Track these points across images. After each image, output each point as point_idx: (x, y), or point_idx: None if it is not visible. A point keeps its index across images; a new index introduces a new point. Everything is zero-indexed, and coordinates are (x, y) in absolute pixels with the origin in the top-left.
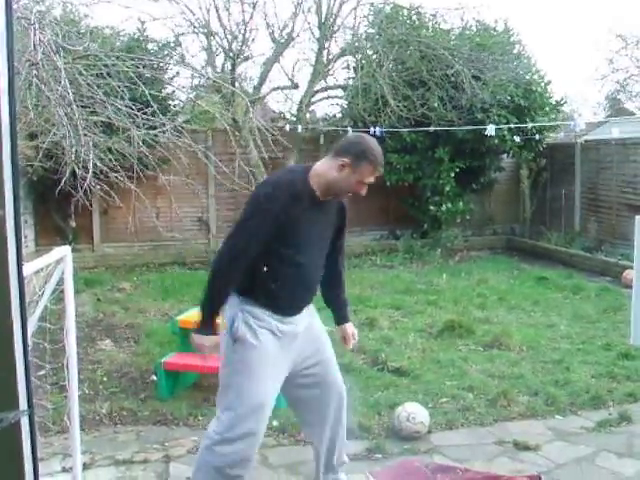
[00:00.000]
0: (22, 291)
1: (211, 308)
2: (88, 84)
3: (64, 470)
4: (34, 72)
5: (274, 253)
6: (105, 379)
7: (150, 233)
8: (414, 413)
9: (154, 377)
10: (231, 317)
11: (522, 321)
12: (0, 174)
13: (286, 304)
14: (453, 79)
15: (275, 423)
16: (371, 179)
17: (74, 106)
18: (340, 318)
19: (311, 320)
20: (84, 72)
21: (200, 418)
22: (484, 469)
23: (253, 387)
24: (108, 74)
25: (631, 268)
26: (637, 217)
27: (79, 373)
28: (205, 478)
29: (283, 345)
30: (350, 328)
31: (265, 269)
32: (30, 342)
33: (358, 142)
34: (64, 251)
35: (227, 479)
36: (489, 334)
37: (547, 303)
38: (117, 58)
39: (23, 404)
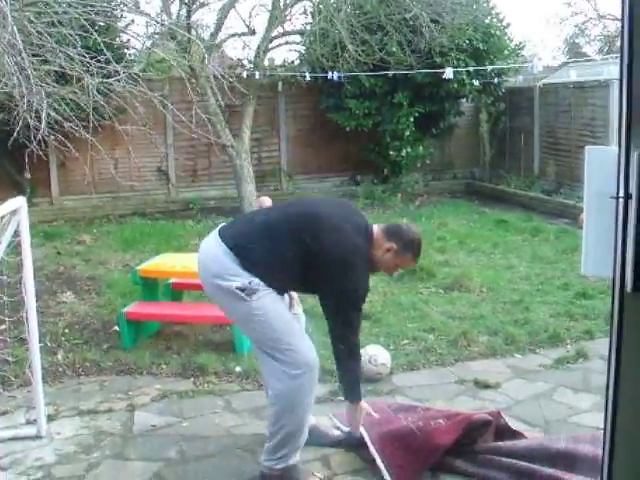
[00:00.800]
0: None
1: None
2: (38, 32)
3: (28, 422)
4: None
5: None
6: (67, 331)
7: (109, 184)
8: (376, 355)
9: (116, 327)
10: (242, 283)
11: (482, 263)
12: None
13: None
14: (411, 23)
15: (238, 369)
16: (406, 267)
17: (24, 54)
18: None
19: None
20: (34, 20)
21: (163, 367)
22: (445, 408)
23: (288, 321)
24: (59, 22)
25: None
26: (586, 147)
27: (40, 326)
28: (293, 416)
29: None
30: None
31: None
32: None
33: (409, 233)
34: (19, 202)
35: (308, 408)
36: (449, 277)
37: (506, 245)
38: (68, 5)
39: None
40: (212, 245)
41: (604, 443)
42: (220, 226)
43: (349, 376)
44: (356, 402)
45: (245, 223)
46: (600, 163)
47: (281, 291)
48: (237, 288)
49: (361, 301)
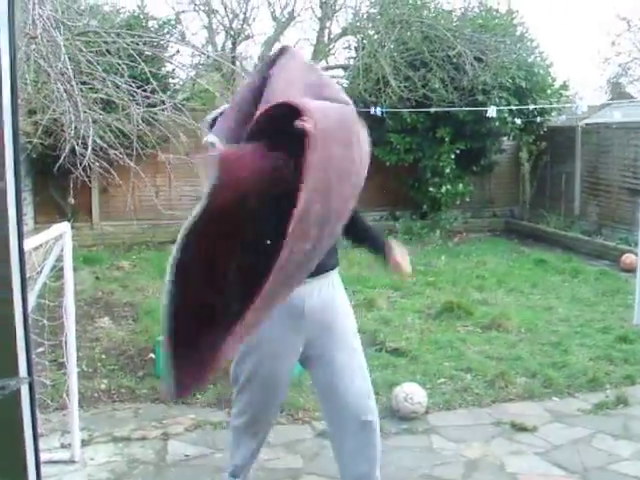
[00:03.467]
0: (22, 260)
1: None
2: (88, 61)
3: (63, 446)
4: (33, 47)
5: None
6: (104, 357)
7: (149, 211)
8: (412, 393)
9: (152, 355)
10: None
11: (520, 303)
12: (1, 148)
13: None
14: (455, 60)
15: None
16: None
17: (73, 82)
18: (379, 244)
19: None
20: (84, 49)
21: (198, 396)
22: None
23: None
24: (108, 51)
25: (630, 252)
26: None
27: (78, 351)
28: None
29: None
30: (393, 246)
31: None
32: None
33: None
34: (63, 228)
35: None
36: (487, 316)
37: (545, 286)
38: (117, 35)
39: (23, 372)
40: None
41: None
42: None
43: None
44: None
45: None
46: None
47: None
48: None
49: None
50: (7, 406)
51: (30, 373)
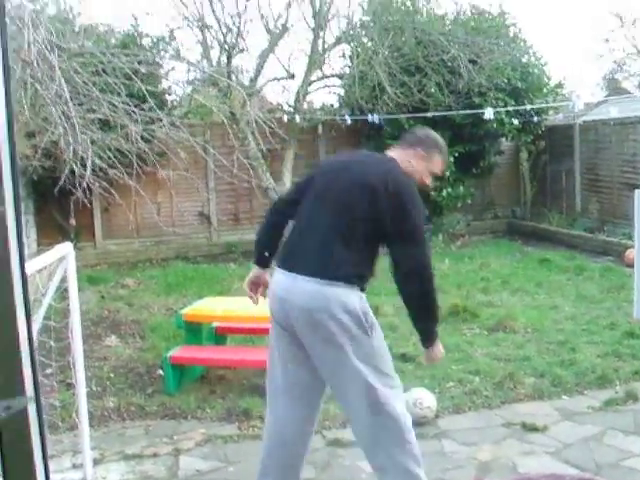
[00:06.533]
0: (24, 280)
1: (437, 317)
2: (84, 82)
3: (74, 466)
4: (28, 71)
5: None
6: (112, 375)
7: (151, 229)
8: (421, 398)
9: (160, 372)
10: (360, 308)
11: (526, 303)
12: None
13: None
14: (449, 64)
15: None
16: (439, 171)
17: (70, 104)
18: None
19: None
20: (79, 70)
21: (208, 411)
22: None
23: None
24: (104, 71)
25: (633, 247)
26: (636, 190)
27: (86, 370)
28: (407, 452)
29: None
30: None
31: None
32: (35, 340)
33: (428, 134)
34: (66, 248)
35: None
36: (493, 317)
37: (550, 285)
38: (112, 55)
39: (30, 391)
40: (303, 287)
41: None
42: (282, 263)
43: (434, 315)
44: (436, 340)
45: (304, 243)
46: None
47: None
48: (364, 321)
49: (422, 222)
50: (14, 425)
51: (36, 391)
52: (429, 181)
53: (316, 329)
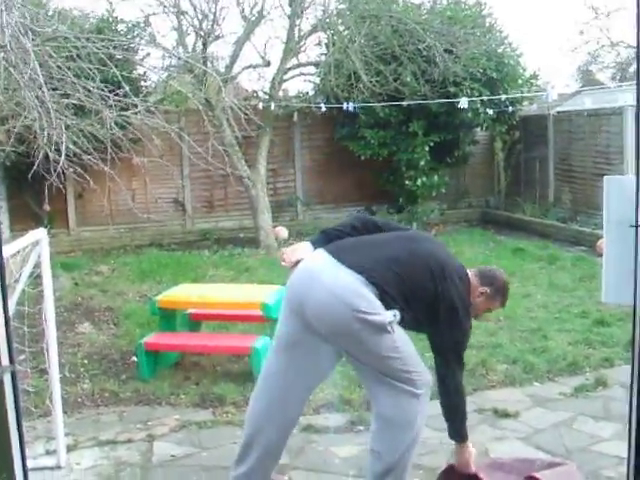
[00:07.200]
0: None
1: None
2: (58, 66)
3: (48, 453)
4: (2, 55)
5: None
6: (86, 362)
7: (126, 215)
8: None
9: (134, 358)
10: (390, 316)
11: None
12: None
13: None
14: (425, 53)
15: None
16: (492, 310)
17: (44, 89)
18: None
19: None
20: (54, 54)
21: (182, 397)
22: None
23: (411, 343)
24: (78, 56)
25: None
26: (605, 177)
27: (59, 357)
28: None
29: None
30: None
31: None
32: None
33: (501, 278)
34: (40, 234)
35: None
36: None
37: (523, 274)
38: (87, 40)
39: (5, 361)
40: (342, 276)
41: (628, 471)
42: (329, 249)
43: (456, 413)
44: (463, 441)
45: (370, 251)
46: (619, 192)
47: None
48: (389, 322)
49: (467, 341)
50: None
51: (11, 361)
52: (480, 316)
53: (334, 316)
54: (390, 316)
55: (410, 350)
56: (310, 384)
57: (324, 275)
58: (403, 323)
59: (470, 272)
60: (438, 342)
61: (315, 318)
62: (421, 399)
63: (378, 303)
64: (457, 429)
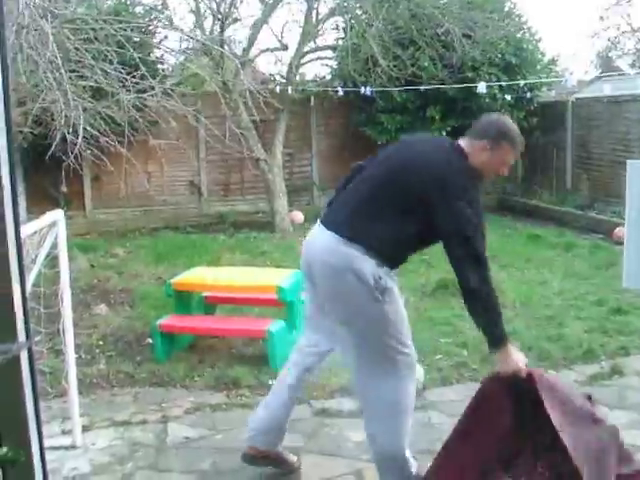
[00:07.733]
0: (18, 233)
1: (501, 316)
2: (76, 48)
3: (64, 433)
4: (22, 36)
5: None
6: (101, 343)
7: (142, 198)
8: None
9: (150, 340)
10: (371, 273)
11: (515, 279)
12: None
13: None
14: (443, 38)
15: (271, 382)
16: (512, 159)
17: (62, 70)
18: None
19: None
20: (72, 37)
21: (196, 379)
22: None
23: (406, 319)
24: (96, 38)
25: (622, 225)
26: (628, 161)
27: (75, 338)
28: (405, 417)
29: None
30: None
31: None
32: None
33: (497, 122)
34: (57, 215)
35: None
36: None
37: (539, 261)
38: (104, 22)
39: (22, 337)
40: (324, 239)
41: None
42: (321, 218)
43: (488, 316)
44: (502, 345)
45: (343, 202)
46: None
47: (400, 264)
48: (373, 286)
49: (481, 221)
50: (8, 370)
51: (28, 337)
52: (506, 171)
53: (326, 280)
54: (372, 278)
55: (404, 325)
56: None
57: (315, 246)
58: (407, 255)
59: (461, 139)
60: (445, 235)
61: (319, 283)
62: (404, 380)
63: (361, 258)
64: (488, 335)
